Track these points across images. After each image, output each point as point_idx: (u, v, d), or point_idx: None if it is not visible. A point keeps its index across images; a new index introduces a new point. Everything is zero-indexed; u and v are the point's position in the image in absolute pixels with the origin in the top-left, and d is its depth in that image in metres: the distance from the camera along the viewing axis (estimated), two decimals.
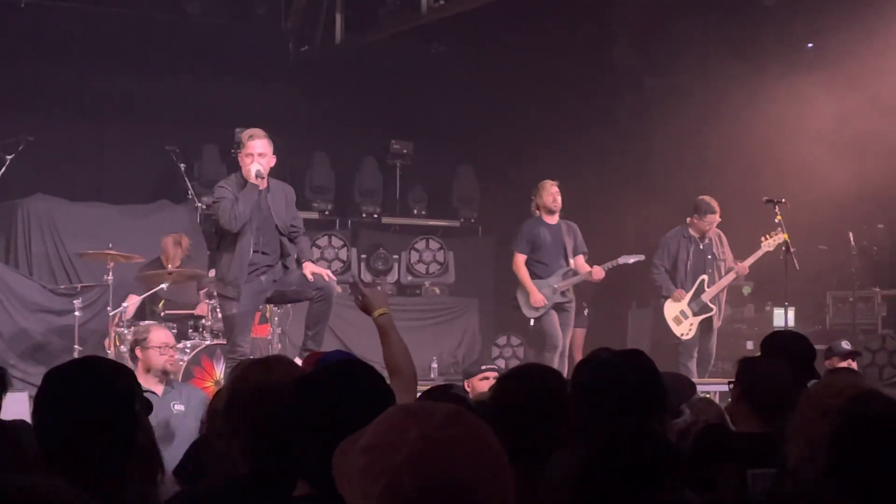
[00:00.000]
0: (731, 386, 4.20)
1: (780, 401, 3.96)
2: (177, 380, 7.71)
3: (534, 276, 9.44)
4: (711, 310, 9.68)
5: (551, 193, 9.44)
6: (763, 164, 10.78)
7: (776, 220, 9.23)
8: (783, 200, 9.33)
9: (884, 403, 2.63)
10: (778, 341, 4.82)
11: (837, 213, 10.51)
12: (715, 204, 9.61)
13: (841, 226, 10.69)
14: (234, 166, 12.77)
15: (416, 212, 13.70)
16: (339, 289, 10.92)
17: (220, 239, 7.66)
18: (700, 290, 9.68)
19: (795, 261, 9.14)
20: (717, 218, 9.61)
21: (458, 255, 13.41)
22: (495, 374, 6.76)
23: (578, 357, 11.43)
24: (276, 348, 9.52)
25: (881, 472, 2.37)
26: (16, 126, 11.12)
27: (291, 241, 7.69)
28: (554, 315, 9.39)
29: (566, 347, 9.50)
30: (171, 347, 6.37)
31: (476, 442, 1.58)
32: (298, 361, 6.51)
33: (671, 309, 9.71)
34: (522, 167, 12.77)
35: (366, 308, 3.88)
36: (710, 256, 9.70)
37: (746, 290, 11.90)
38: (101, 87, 12.27)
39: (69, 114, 12.26)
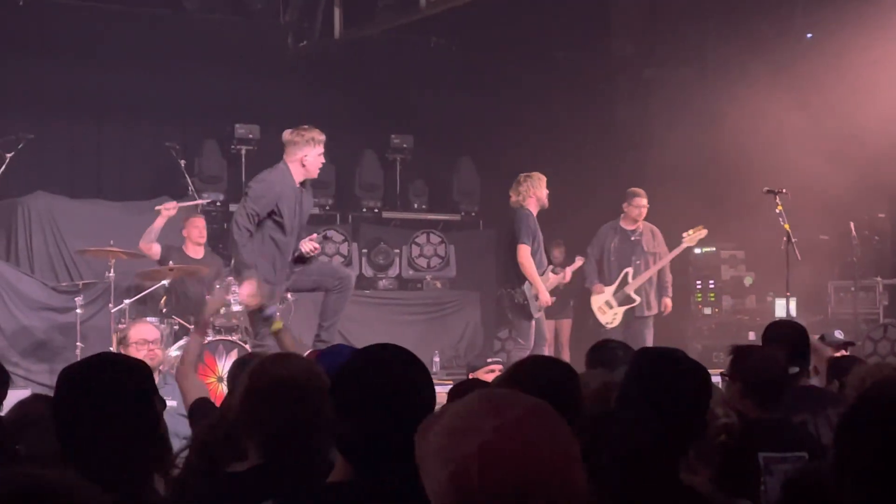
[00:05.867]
0: (724, 376, 4.24)
1: (775, 387, 4.01)
2: (169, 374, 7.75)
3: None
4: (634, 301, 10.13)
5: (546, 188, 9.27)
6: (763, 154, 10.77)
7: (777, 211, 9.22)
8: (784, 191, 9.32)
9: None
10: (777, 330, 4.88)
11: (838, 203, 10.51)
12: (640, 190, 10.19)
13: (842, 215, 10.68)
14: (235, 162, 12.86)
15: (416, 206, 13.70)
16: None
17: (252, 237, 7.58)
18: (624, 282, 10.18)
19: (797, 251, 9.14)
20: (643, 202, 10.12)
21: (459, 249, 13.39)
22: (500, 367, 6.73)
23: (566, 348, 11.48)
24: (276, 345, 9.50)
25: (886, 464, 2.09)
26: (15, 124, 11.11)
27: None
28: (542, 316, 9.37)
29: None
30: (151, 342, 6.45)
31: (550, 443, 1.54)
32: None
33: (596, 299, 10.26)
34: (522, 160, 12.75)
35: None
36: (638, 249, 10.18)
37: (748, 280, 11.90)
38: (100, 84, 12.25)
39: (69, 111, 12.26)
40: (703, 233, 10.15)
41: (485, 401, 1.59)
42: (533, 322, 9.17)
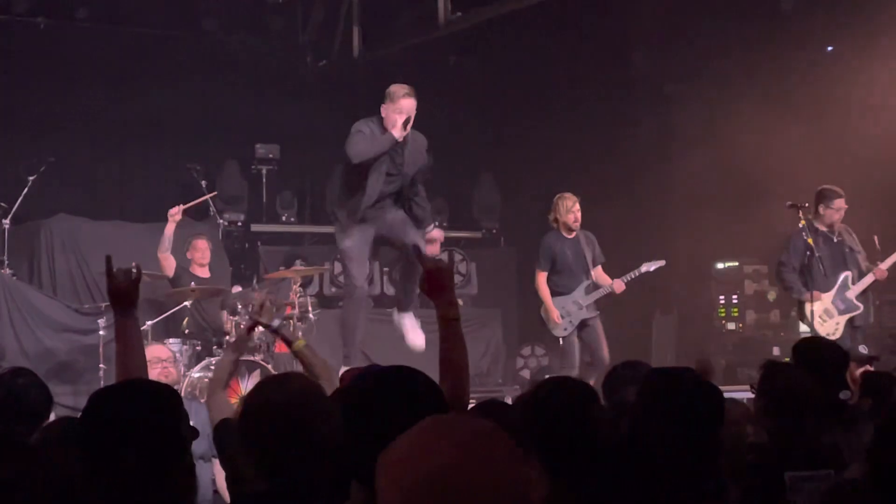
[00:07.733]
0: (753, 391, 4.20)
1: (802, 405, 3.96)
2: (186, 397, 7.76)
3: (556, 293, 9.40)
4: (858, 308, 9.21)
5: (572, 211, 9.40)
6: (785, 168, 10.71)
7: (800, 225, 9.14)
8: (807, 205, 9.25)
9: None
10: (810, 349, 4.81)
11: (861, 216, 10.42)
12: (839, 189, 9.17)
13: (865, 229, 10.59)
14: (255, 182, 12.89)
15: (437, 223, 13.65)
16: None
17: (347, 175, 7.86)
18: (845, 287, 9.22)
19: (822, 265, 9.06)
20: (844, 204, 9.14)
21: (481, 266, 13.36)
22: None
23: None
24: (299, 365, 9.49)
25: None
26: (37, 147, 11.20)
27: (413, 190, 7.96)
28: (574, 338, 9.33)
29: (601, 360, 9.22)
30: (164, 360, 6.48)
31: (500, 467, 1.55)
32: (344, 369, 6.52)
33: (814, 308, 9.15)
34: (543, 176, 12.74)
35: (437, 286, 3.14)
36: (847, 250, 9.25)
37: (772, 295, 11.80)
38: (120, 106, 12.32)
39: (89, 133, 12.32)
40: None
41: (431, 428, 1.61)
42: (561, 341, 9.30)
